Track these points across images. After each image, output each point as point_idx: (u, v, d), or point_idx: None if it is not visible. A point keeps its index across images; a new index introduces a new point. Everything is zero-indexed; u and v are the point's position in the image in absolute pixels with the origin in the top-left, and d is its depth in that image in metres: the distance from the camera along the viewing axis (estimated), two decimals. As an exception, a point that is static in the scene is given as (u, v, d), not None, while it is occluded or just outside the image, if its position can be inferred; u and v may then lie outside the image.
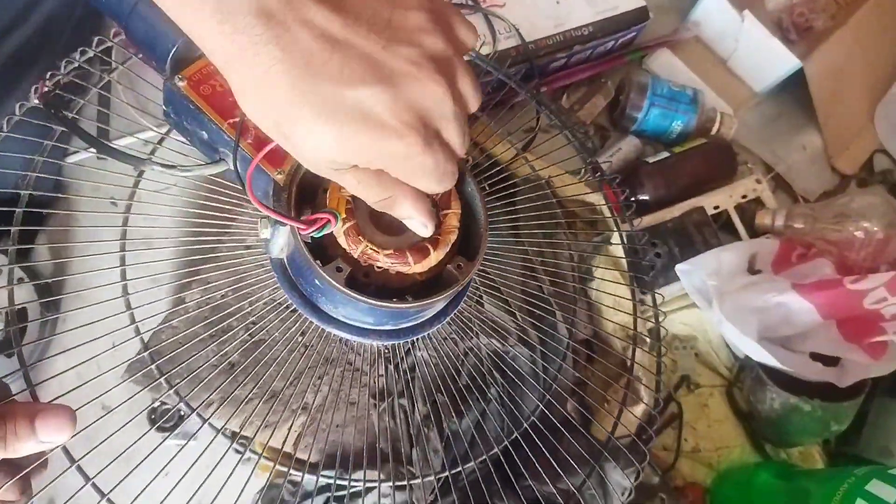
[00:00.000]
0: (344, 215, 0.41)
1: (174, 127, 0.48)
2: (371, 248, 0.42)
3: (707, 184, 0.80)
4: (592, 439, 0.55)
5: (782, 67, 0.87)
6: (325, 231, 0.41)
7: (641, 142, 0.82)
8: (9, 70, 0.58)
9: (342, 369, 0.58)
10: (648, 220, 0.76)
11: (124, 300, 0.52)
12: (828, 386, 0.66)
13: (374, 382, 0.59)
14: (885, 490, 0.53)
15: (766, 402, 0.68)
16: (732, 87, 0.91)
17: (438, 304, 0.47)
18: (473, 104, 0.35)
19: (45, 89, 0.47)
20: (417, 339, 0.52)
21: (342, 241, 0.42)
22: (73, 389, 0.42)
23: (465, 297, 0.53)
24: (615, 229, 0.68)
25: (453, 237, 0.45)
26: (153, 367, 0.49)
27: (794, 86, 0.88)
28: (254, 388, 0.50)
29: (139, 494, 0.42)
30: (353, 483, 0.53)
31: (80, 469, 0.41)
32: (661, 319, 0.63)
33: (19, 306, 0.57)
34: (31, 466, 0.39)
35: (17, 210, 0.50)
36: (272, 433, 0.53)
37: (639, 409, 0.62)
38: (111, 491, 0.41)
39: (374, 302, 0.42)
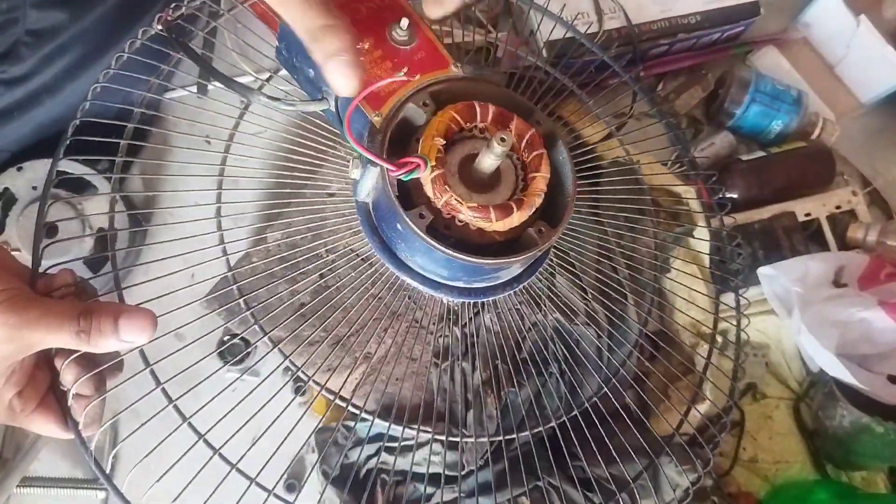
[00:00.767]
0: (434, 163, 0.42)
1: (283, 65, 0.49)
2: (455, 199, 0.42)
3: (801, 189, 0.77)
4: (655, 433, 0.54)
5: (893, 79, 0.82)
6: (413, 175, 0.42)
7: (735, 139, 0.79)
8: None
9: (407, 325, 0.58)
10: (736, 218, 0.73)
11: (218, 235, 0.54)
12: (902, 410, 0.64)
13: (438, 342, 0.59)
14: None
15: (835, 418, 0.66)
16: (838, 94, 0.86)
17: (515, 267, 0.47)
18: None
19: (169, 18, 0.49)
20: (486, 303, 0.51)
21: (428, 189, 0.42)
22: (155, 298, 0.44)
23: (539, 271, 0.53)
24: (704, 225, 0.66)
25: (538, 200, 0.44)
26: (234, 287, 0.51)
27: (903, 101, 0.83)
28: (319, 329, 0.51)
29: (200, 410, 0.43)
30: (405, 436, 0.54)
31: (153, 373, 0.43)
32: (745, 325, 0.60)
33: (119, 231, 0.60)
34: (108, 364, 0.41)
35: (122, 142, 0.52)
36: (330, 376, 0.54)
37: (703, 410, 0.60)
38: (179, 398, 0.43)
39: (452, 252, 0.42)
